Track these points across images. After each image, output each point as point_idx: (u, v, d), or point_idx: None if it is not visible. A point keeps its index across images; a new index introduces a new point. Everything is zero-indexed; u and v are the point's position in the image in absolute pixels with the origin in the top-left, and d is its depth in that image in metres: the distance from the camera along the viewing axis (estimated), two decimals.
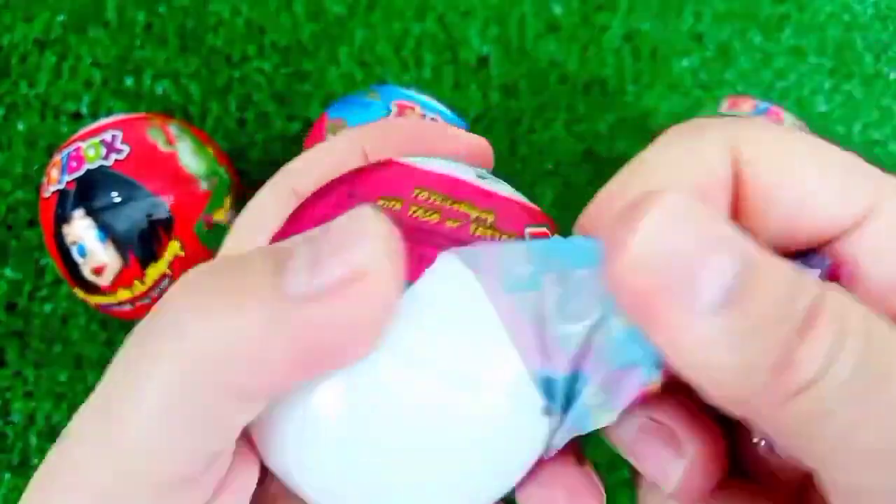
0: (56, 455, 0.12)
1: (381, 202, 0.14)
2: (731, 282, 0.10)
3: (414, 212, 0.14)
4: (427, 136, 0.15)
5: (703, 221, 0.10)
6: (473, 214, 0.14)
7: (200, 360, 0.11)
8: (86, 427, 0.11)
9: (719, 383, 0.10)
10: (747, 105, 0.34)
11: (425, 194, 0.14)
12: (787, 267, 0.10)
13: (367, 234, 0.11)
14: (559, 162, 0.37)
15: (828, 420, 0.10)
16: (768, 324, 0.10)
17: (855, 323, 0.10)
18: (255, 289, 0.11)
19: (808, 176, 0.12)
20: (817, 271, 0.13)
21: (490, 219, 0.14)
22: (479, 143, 0.16)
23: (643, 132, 0.38)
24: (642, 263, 0.10)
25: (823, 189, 0.12)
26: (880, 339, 0.10)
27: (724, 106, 0.35)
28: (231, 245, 0.15)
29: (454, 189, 0.14)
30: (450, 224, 0.14)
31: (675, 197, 0.10)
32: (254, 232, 0.14)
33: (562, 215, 0.36)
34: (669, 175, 0.13)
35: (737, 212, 0.13)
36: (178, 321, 0.11)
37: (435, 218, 0.14)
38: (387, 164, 0.15)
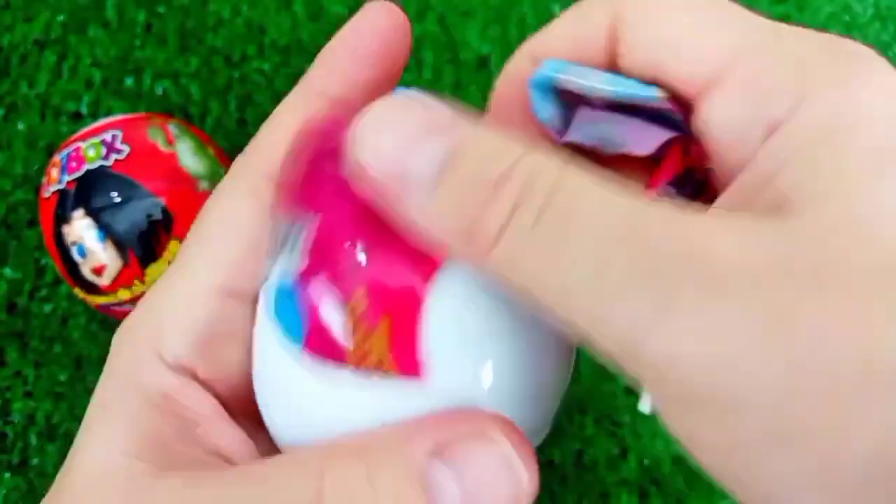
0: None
1: None
2: (442, 159, 0.12)
3: None
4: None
5: (417, 111, 0.12)
6: None
7: None
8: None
9: (453, 249, 0.12)
10: None
11: None
12: (493, 139, 0.12)
13: None
14: None
15: (518, 267, 0.12)
16: (470, 190, 0.12)
17: (544, 178, 0.11)
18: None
19: (675, 30, 0.13)
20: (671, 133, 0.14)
21: None
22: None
23: None
24: (370, 157, 0.12)
25: (686, 42, 0.13)
26: (571, 188, 0.11)
27: None
28: (195, 237, 0.16)
29: None
30: None
31: (398, 94, 0.13)
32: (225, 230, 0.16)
33: None
34: (555, 31, 0.15)
35: (616, 66, 0.14)
36: None
37: None
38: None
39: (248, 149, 0.17)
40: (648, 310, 0.11)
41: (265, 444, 0.16)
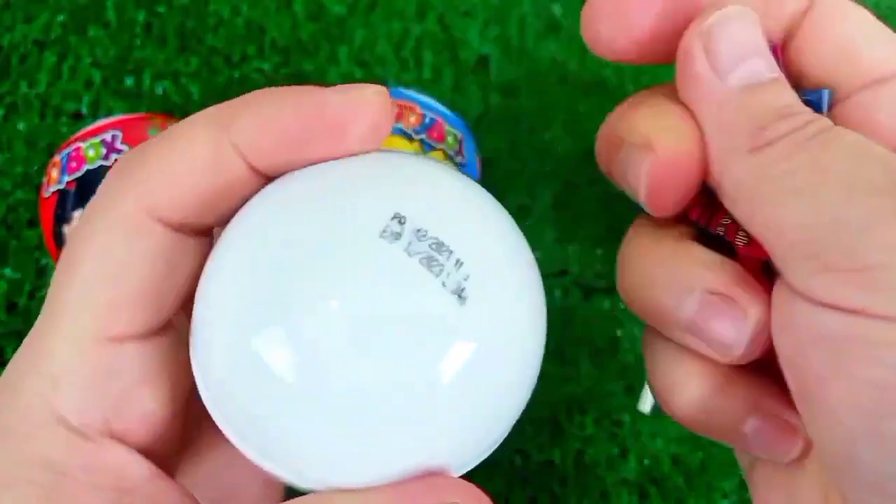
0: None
1: None
2: (753, 77, 0.14)
3: None
4: (313, 129, 0.14)
5: (752, 27, 0.15)
6: None
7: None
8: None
9: (716, 148, 0.15)
10: None
11: None
12: (789, 95, 0.15)
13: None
14: (559, 162, 0.37)
15: (784, 171, 0.14)
16: (756, 115, 0.14)
17: (817, 125, 0.14)
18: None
19: (860, 25, 0.16)
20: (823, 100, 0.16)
21: None
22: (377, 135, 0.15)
23: None
24: (711, 43, 0.15)
25: (870, 39, 0.15)
26: (836, 136, 0.14)
27: None
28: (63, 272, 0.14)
29: None
30: None
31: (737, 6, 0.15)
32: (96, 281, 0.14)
33: (561, 215, 0.36)
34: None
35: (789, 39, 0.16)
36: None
37: None
38: None
39: (121, 172, 0.15)
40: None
41: (207, 487, 0.15)
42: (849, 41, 0.15)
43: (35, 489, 0.12)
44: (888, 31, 0.16)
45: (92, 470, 0.13)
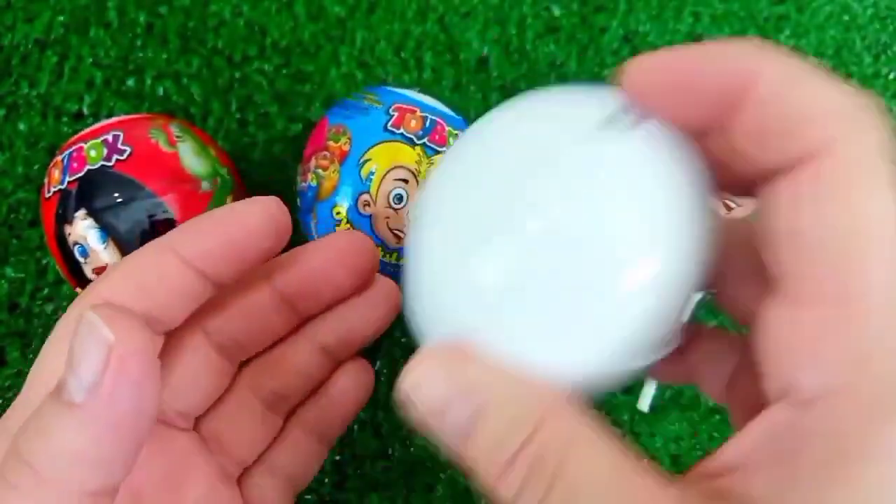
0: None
1: None
2: (470, 416, 0.14)
3: None
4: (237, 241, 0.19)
5: (455, 369, 0.15)
6: None
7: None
8: None
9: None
10: None
11: None
12: (512, 405, 0.14)
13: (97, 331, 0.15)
14: None
15: None
16: (491, 454, 0.14)
17: (552, 456, 0.14)
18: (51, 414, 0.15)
19: (807, 103, 0.13)
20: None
21: None
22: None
23: None
24: (419, 409, 0.15)
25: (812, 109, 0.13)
26: (575, 468, 0.14)
27: None
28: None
29: None
30: None
31: (439, 349, 0.15)
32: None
33: None
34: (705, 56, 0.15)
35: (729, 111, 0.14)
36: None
37: None
38: None
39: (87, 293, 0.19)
40: None
41: None
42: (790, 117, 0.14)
43: None
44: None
45: None
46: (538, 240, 0.14)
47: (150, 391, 0.15)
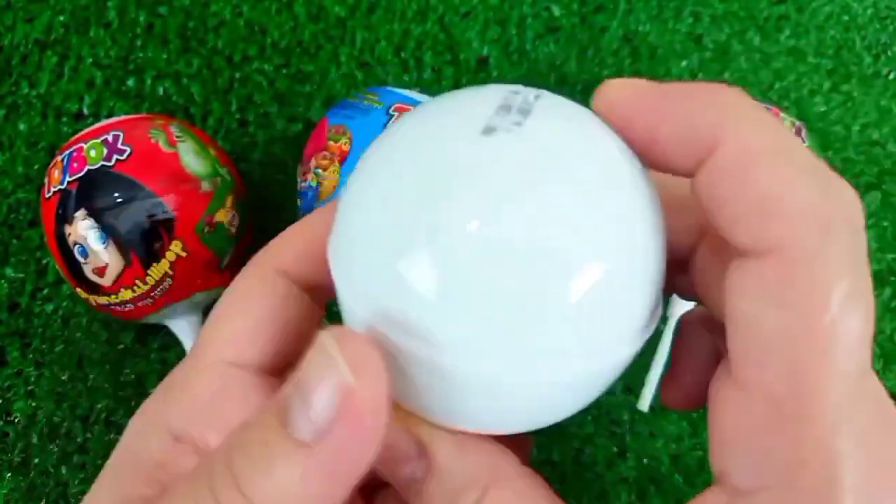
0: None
1: None
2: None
3: None
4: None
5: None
6: None
7: None
8: None
9: None
10: None
11: None
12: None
13: (335, 362, 0.13)
14: None
15: None
16: None
17: None
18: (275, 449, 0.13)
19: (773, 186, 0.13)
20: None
21: None
22: None
23: None
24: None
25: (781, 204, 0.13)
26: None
27: None
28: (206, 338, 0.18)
29: None
30: None
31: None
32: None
33: None
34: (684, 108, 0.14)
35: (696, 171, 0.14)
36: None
37: None
38: None
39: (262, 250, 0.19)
40: None
41: None
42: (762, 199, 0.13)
43: (110, 479, 0.17)
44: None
45: (166, 470, 0.17)
46: (466, 243, 0.13)
47: (377, 446, 0.14)
